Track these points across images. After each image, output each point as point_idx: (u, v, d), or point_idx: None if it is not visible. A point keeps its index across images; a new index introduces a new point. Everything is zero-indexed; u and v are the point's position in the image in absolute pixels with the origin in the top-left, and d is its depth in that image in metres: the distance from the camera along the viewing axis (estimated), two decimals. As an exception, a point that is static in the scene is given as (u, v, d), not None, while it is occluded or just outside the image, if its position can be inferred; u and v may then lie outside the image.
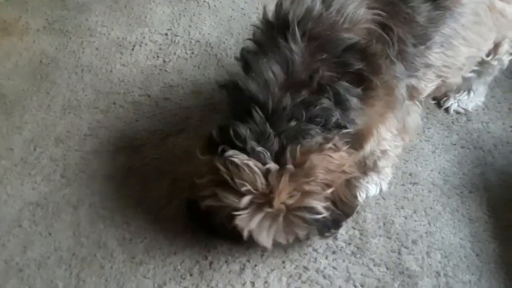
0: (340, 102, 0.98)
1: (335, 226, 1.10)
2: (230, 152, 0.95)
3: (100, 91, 1.60)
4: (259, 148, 0.94)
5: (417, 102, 1.17)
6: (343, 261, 1.22)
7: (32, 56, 1.71)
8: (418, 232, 1.27)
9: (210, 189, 0.99)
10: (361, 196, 1.31)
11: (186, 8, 1.86)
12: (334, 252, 1.23)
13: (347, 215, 1.12)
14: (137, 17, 1.84)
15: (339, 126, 0.99)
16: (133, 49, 1.73)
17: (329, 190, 0.97)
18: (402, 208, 1.31)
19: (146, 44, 1.74)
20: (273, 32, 1.03)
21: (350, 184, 1.05)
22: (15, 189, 1.36)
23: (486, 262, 1.21)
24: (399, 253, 1.23)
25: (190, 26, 1.80)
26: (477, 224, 1.28)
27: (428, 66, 1.09)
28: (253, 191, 0.94)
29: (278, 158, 0.95)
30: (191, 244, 1.24)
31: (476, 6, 1.09)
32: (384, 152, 1.21)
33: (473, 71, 1.33)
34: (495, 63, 1.37)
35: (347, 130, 1.01)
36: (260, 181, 0.94)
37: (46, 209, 1.32)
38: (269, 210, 0.95)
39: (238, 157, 0.94)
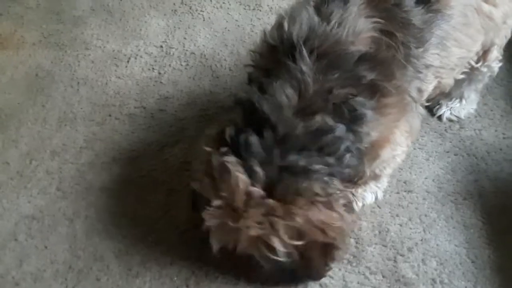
0: (356, 120, 0.97)
1: (293, 280, 1.10)
2: (231, 158, 0.94)
3: (96, 104, 1.61)
4: (258, 169, 0.92)
5: (419, 104, 1.17)
6: (339, 269, 1.22)
7: (28, 70, 1.72)
8: (414, 240, 1.27)
9: (201, 174, 1.00)
10: (357, 205, 1.32)
11: (180, 21, 1.88)
12: (330, 261, 1.24)
13: (311, 277, 1.14)
14: (132, 30, 1.85)
15: (347, 152, 0.98)
16: (128, 62, 1.74)
17: (297, 242, 0.94)
18: (397, 216, 1.32)
19: (141, 57, 1.75)
20: (277, 55, 1.02)
21: (326, 250, 1.02)
22: (11, 203, 1.36)
23: (482, 268, 1.22)
24: (395, 261, 1.24)
25: (185, 38, 1.81)
26: (471, 230, 1.29)
27: (428, 67, 1.10)
28: (228, 200, 0.94)
29: (271, 187, 0.93)
30: (187, 255, 1.25)
31: (464, 8, 1.11)
32: (394, 157, 1.18)
33: (464, 76, 1.35)
34: (484, 69, 1.39)
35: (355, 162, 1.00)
36: (240, 197, 0.93)
37: (42, 222, 1.32)
38: (232, 223, 0.95)
39: (234, 168, 0.93)
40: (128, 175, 1.41)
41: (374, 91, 0.99)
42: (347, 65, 0.98)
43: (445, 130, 1.51)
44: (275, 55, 1.03)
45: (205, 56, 1.75)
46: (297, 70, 0.96)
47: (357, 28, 1.01)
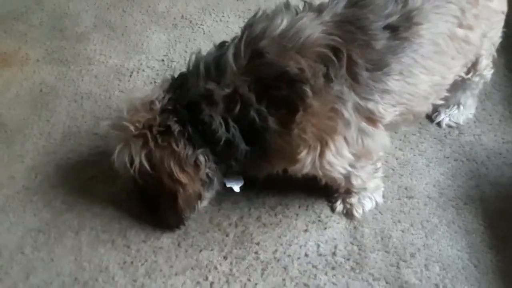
0: (249, 124, 1.06)
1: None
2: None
3: (100, 118, 1.63)
4: (157, 103, 1.14)
5: (381, 126, 1.15)
6: (343, 276, 1.23)
7: (32, 86, 1.75)
8: (416, 245, 1.28)
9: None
10: (358, 212, 1.33)
11: (181, 34, 1.91)
12: (333, 268, 1.25)
13: (166, 220, 1.28)
14: (134, 44, 1.88)
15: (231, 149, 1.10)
16: (131, 76, 1.77)
17: (149, 166, 1.13)
18: (399, 222, 1.33)
19: (143, 70, 1.78)
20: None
21: (172, 198, 1.17)
22: (17, 216, 1.38)
23: (484, 272, 1.23)
24: (398, 267, 1.24)
25: (185, 51, 1.84)
26: (473, 235, 1.30)
27: (386, 91, 1.10)
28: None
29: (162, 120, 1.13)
30: (192, 265, 1.26)
31: (435, 37, 1.11)
32: (348, 174, 1.20)
33: (457, 87, 1.36)
34: (476, 79, 1.40)
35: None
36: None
37: (48, 235, 1.34)
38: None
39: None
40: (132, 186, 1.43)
41: (283, 105, 1.06)
42: (268, 75, 1.06)
43: (445, 136, 1.53)
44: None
45: (206, 68, 1.77)
46: (228, 57, 1.07)
47: (309, 40, 1.06)
